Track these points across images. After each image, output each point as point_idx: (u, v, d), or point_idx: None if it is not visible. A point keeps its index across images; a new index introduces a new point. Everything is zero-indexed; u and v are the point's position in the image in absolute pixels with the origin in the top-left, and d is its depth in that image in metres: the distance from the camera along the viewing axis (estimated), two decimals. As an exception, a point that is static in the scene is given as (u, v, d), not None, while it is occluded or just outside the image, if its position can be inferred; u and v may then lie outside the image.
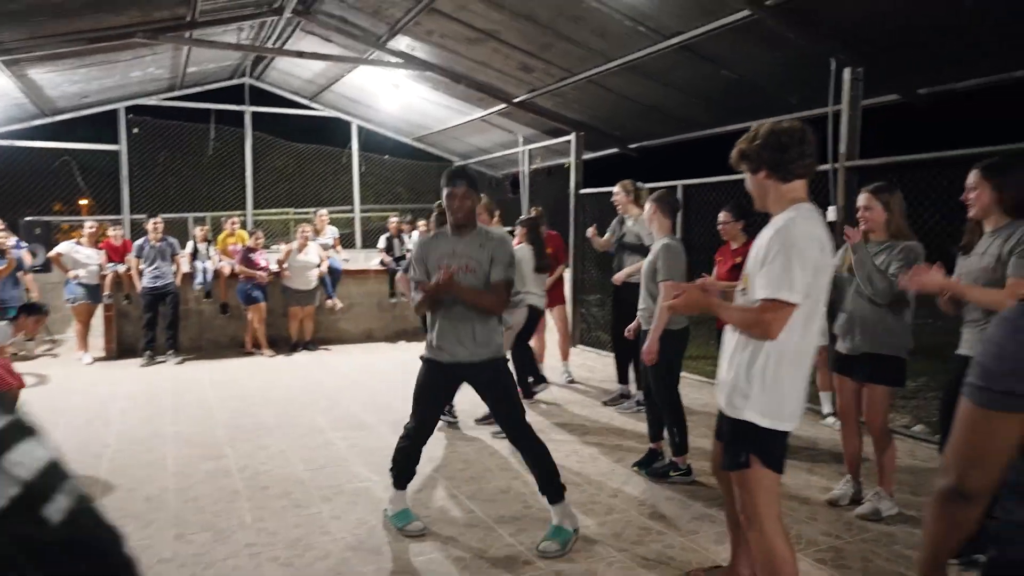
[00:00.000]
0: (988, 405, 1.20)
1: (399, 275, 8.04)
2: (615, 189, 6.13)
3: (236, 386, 6.83)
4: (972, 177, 3.16)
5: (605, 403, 6.10)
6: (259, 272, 8.38)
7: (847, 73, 5.60)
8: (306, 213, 12.50)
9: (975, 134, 5.19)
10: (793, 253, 2.24)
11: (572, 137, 9.25)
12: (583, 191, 9.19)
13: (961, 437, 1.24)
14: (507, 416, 3.46)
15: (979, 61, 5.21)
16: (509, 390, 3.49)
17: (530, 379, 6.08)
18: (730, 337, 2.49)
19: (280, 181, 13.08)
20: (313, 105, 11.77)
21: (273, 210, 12.71)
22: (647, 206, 4.45)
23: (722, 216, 5.07)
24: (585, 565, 3.18)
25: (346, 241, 11.72)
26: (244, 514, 3.76)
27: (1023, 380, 1.16)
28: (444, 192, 3.40)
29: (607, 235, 6.33)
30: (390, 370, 7.68)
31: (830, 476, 4.33)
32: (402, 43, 8.07)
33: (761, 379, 2.34)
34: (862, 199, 3.84)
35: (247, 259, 8.43)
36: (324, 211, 9.85)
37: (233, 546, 3.39)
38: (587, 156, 9.47)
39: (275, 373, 7.53)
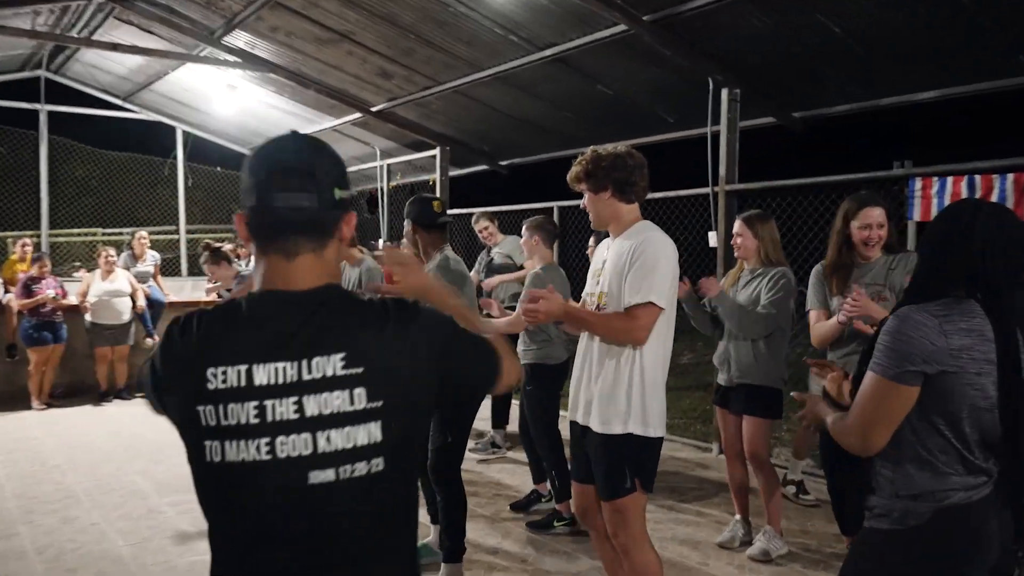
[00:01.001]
0: (896, 379, 1.82)
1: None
2: (481, 223, 6.28)
3: (30, 447, 6.31)
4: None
5: (470, 450, 6.16)
6: (44, 298, 7.70)
7: (725, 94, 6.11)
8: (119, 234, 11.84)
9: (848, 159, 5.82)
10: (659, 263, 2.72)
11: (437, 152, 9.39)
12: (450, 211, 9.32)
13: (870, 404, 1.88)
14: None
15: (851, 87, 5.87)
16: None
17: None
18: (588, 352, 2.87)
19: (84, 195, 12.31)
20: (128, 106, 11.18)
21: (76, 230, 11.89)
22: (524, 233, 4.63)
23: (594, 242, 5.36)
24: (465, 632, 3.23)
25: (170, 267, 11.18)
26: (48, 604, 3.50)
27: (918, 361, 1.80)
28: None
29: (473, 272, 6.28)
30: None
31: (720, 517, 4.63)
32: (240, 39, 7.91)
33: (640, 388, 2.73)
34: (736, 227, 4.28)
35: (28, 291, 7.81)
36: (143, 232, 9.32)
37: (36, 644, 3.14)
38: (453, 173, 9.65)
39: (80, 429, 7.03)
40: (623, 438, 2.73)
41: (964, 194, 4.87)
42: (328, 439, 1.20)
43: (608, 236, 3.01)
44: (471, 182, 10.12)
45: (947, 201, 4.92)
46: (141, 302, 8.49)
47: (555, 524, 4.44)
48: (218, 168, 12.41)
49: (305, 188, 1.25)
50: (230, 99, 9.51)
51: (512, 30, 6.33)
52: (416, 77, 7.73)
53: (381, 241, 10.15)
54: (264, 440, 1.20)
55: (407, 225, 3.84)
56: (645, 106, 7.07)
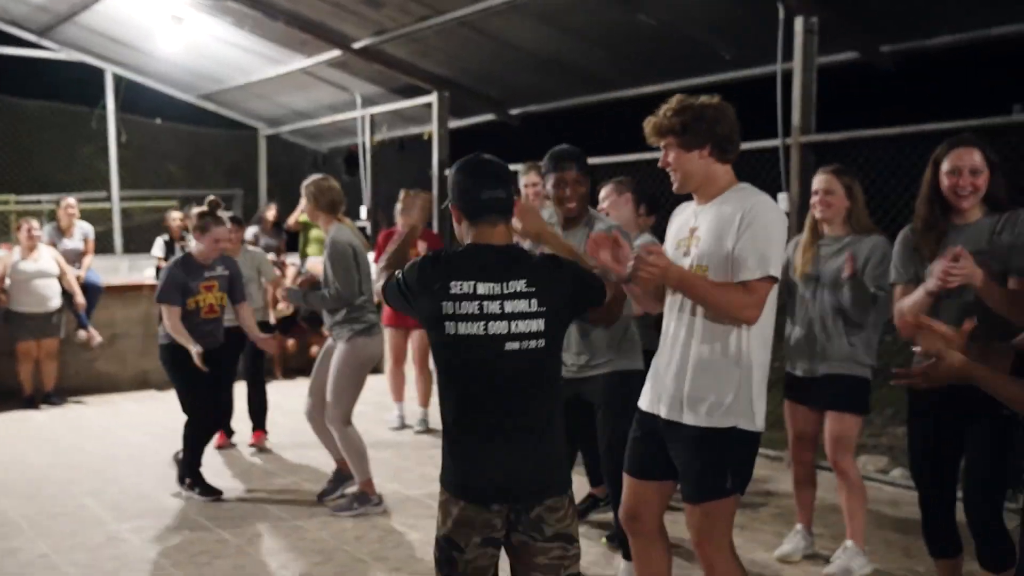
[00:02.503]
0: None
1: None
2: (532, 176, 6.20)
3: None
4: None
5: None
6: None
7: (799, 24, 6.10)
8: (36, 202, 11.75)
9: (952, 103, 5.85)
10: (773, 231, 2.88)
11: (434, 98, 9.37)
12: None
13: None
14: None
15: (953, 15, 5.87)
16: None
17: None
18: (677, 333, 2.99)
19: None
20: (44, 43, 11.06)
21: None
22: (609, 192, 4.82)
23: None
24: None
25: (101, 243, 11.12)
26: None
27: None
28: (551, 179, 4.01)
29: None
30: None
31: (776, 530, 4.75)
32: (192, -41, 7.85)
33: (748, 375, 2.90)
34: (822, 182, 4.25)
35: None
36: (71, 200, 9.22)
37: None
38: (454, 124, 9.63)
39: (6, 443, 6.99)
40: (726, 432, 2.87)
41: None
42: (516, 325, 2.47)
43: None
44: (473, 136, 10.08)
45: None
46: (79, 294, 8.45)
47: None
48: (158, 120, 12.34)
49: (500, 187, 2.55)
50: (175, 34, 9.44)
51: (536, -55, 6.31)
52: (412, 5, 7.67)
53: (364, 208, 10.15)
54: (481, 323, 2.46)
55: (586, 181, 4.02)
56: (698, 40, 7.08)
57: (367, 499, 5.19)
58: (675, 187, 3.07)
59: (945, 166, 3.36)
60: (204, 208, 5.79)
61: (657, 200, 5.63)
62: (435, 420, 7.32)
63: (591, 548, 4.50)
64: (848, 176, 4.25)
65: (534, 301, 2.46)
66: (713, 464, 2.90)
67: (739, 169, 3.13)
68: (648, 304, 3.27)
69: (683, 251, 3.03)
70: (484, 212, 2.52)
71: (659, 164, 3.07)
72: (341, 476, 5.46)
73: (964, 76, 8.74)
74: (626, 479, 3.21)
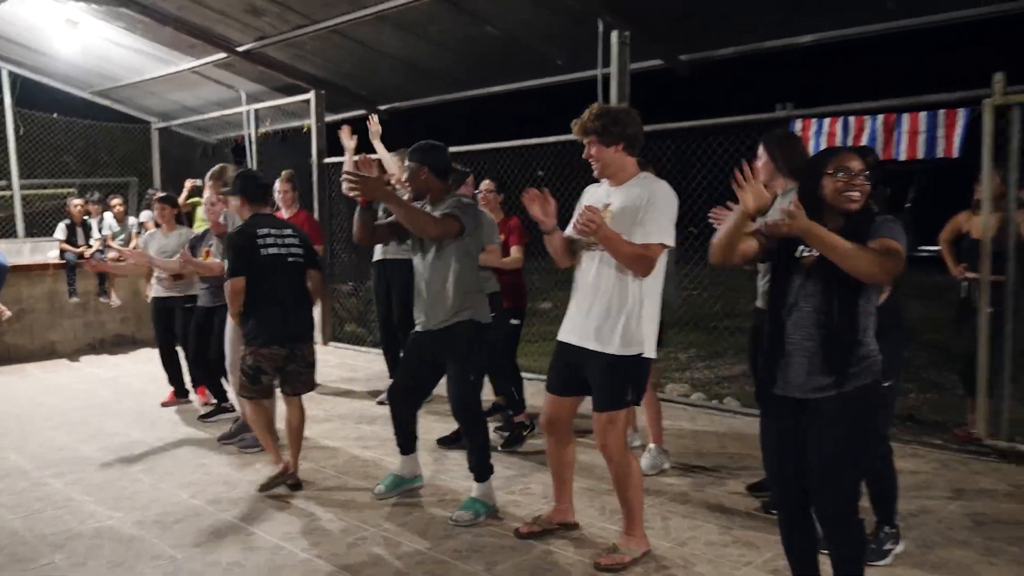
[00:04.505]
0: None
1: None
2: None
3: None
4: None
5: (380, 402, 6.41)
6: None
7: (615, 36, 6.48)
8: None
9: (733, 101, 6.36)
10: (668, 208, 3.35)
11: (311, 96, 9.36)
12: (328, 160, 9.35)
13: (899, 256, 2.52)
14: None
15: (735, 31, 6.38)
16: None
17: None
18: (595, 284, 3.41)
19: None
20: (-60, 43, 10.37)
21: None
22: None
23: (486, 185, 5.64)
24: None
25: (4, 228, 10.62)
26: (-55, 579, 3.52)
27: None
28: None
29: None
30: (92, 389, 7.26)
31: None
32: (85, -31, 7.58)
33: (649, 316, 3.38)
34: None
35: None
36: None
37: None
38: (329, 118, 9.63)
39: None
40: (632, 358, 3.37)
41: (839, 134, 5.50)
42: (291, 250, 4.49)
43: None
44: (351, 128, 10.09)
45: (823, 140, 5.55)
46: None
47: (523, 434, 5.32)
48: (55, 115, 11.74)
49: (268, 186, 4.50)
50: (71, 37, 9.02)
51: (396, -34, 6.44)
52: (290, 15, 7.67)
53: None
54: (276, 248, 4.36)
55: (420, 171, 4.10)
56: (534, 48, 7.35)
57: None
58: (596, 173, 3.52)
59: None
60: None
61: (504, 181, 5.97)
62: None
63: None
64: (644, 166, 4.70)
65: (296, 239, 4.51)
66: (620, 382, 3.40)
67: (568, 156, 3.58)
68: (562, 258, 3.58)
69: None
70: (264, 199, 4.63)
71: (583, 156, 3.48)
72: (243, 426, 5.45)
73: (743, 80, 9.43)
74: (548, 396, 3.67)
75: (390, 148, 6.53)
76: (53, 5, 8.43)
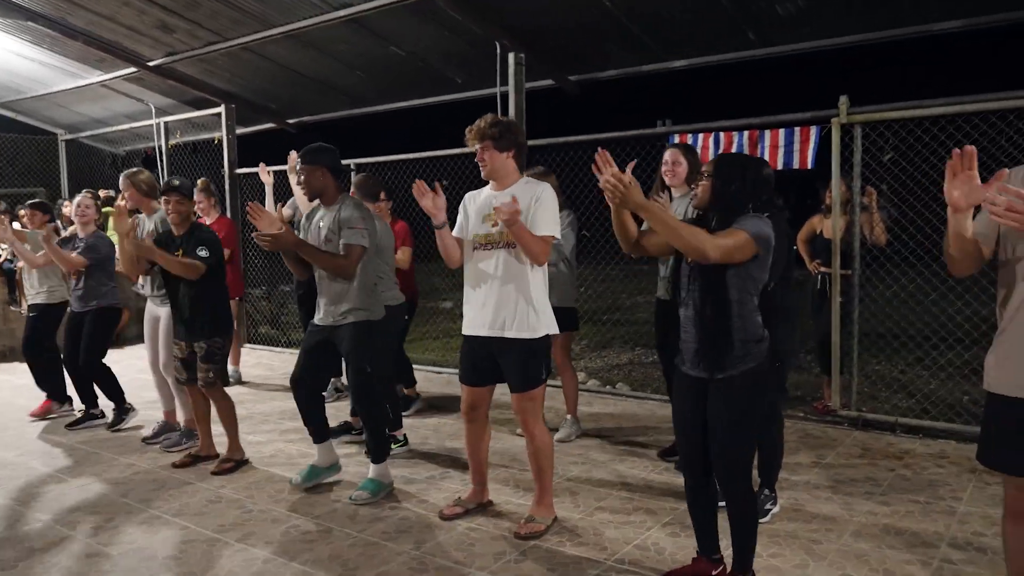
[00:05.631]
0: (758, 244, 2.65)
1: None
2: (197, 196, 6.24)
3: None
4: (670, 154, 4.35)
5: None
6: None
7: (511, 58, 6.58)
8: None
9: (618, 118, 6.55)
10: (552, 205, 3.47)
11: (222, 109, 9.02)
12: (240, 170, 9.05)
13: (735, 243, 2.63)
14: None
15: (619, 55, 6.57)
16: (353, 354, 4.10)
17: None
18: (493, 278, 3.48)
19: None
20: None
21: None
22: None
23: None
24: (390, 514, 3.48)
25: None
26: None
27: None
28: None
29: (287, 211, 6.31)
30: (8, 396, 6.79)
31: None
32: (-9, -17, 7.07)
33: (544, 299, 3.51)
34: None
35: None
36: None
37: None
38: (240, 131, 9.33)
39: None
40: (540, 340, 3.49)
41: (711, 147, 5.75)
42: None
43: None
44: (259, 140, 9.82)
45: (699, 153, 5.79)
46: None
47: (393, 447, 4.81)
48: (-43, 127, 10.90)
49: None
50: (-25, 49, 8.44)
51: (307, -12, 6.31)
52: (200, 32, 7.39)
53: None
54: None
55: (317, 172, 4.03)
56: (436, 68, 7.36)
57: (193, 434, 5.12)
58: (484, 175, 3.56)
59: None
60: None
61: (392, 189, 6.10)
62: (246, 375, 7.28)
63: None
64: (542, 175, 4.79)
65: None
66: (533, 362, 3.47)
67: (464, 167, 3.66)
68: (451, 256, 3.64)
69: (491, 223, 3.49)
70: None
71: (476, 159, 3.53)
72: (167, 426, 5.33)
73: (627, 99, 9.72)
74: (465, 388, 3.68)
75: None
76: (-45, 18, 7.83)
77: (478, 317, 3.57)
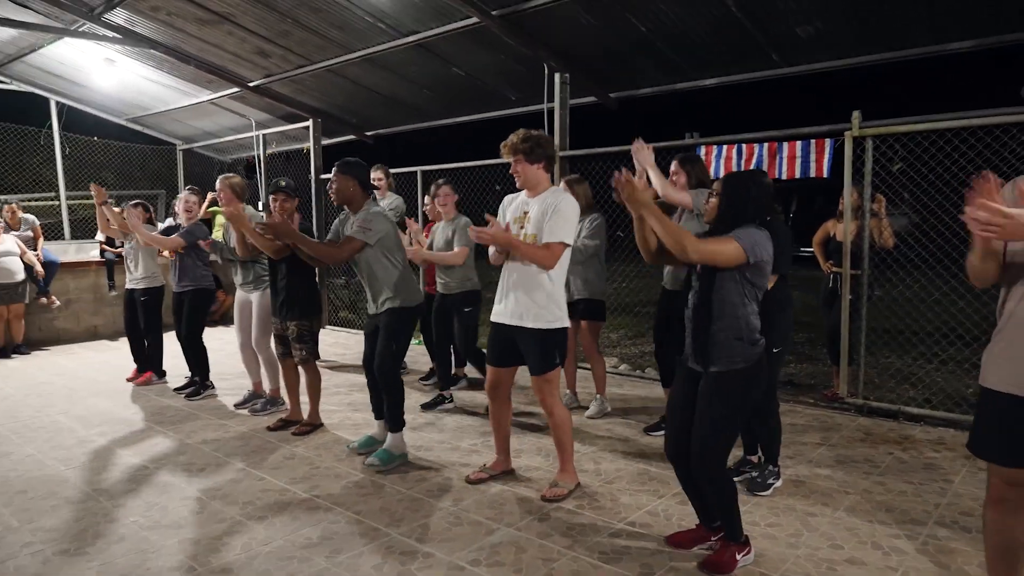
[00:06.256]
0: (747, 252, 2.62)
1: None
2: (376, 174, 6.33)
3: (-63, 399, 5.86)
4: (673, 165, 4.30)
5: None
6: None
7: (557, 77, 6.56)
8: (-2, 200, 10.71)
9: (652, 131, 6.44)
10: (570, 215, 3.43)
11: (310, 123, 9.26)
12: (324, 176, 9.27)
13: (717, 248, 2.61)
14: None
15: (654, 74, 6.49)
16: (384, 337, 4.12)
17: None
18: (512, 276, 3.50)
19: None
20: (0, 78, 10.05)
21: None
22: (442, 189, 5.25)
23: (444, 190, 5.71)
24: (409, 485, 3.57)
25: (53, 232, 10.33)
26: (8, 519, 3.46)
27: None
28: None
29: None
30: (128, 365, 7.13)
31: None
32: (120, 16, 7.40)
33: (560, 297, 3.50)
34: (561, 186, 4.81)
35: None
36: (14, 204, 8.44)
37: (8, 549, 3.14)
38: (325, 142, 9.56)
39: (-15, 381, 6.57)
40: (556, 331, 3.50)
41: (735, 159, 5.63)
42: None
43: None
44: (341, 150, 10.03)
45: (722, 163, 5.68)
46: (38, 266, 7.96)
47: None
48: (95, 138, 11.45)
49: None
50: (109, 72, 8.85)
51: (380, 18, 6.42)
52: (291, 56, 7.60)
53: (260, 203, 9.91)
54: None
55: (350, 182, 4.09)
56: (492, 86, 7.40)
57: (276, 402, 5.30)
58: (519, 185, 3.58)
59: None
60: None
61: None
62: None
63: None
64: (575, 182, 4.93)
65: None
66: (549, 350, 3.49)
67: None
68: (496, 258, 3.64)
69: (520, 225, 3.53)
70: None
71: (511, 171, 3.55)
72: (254, 395, 5.50)
73: (660, 113, 9.58)
74: (489, 368, 3.71)
75: (373, 164, 6.47)
76: (94, 47, 8.26)
77: (503, 307, 3.58)
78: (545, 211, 3.43)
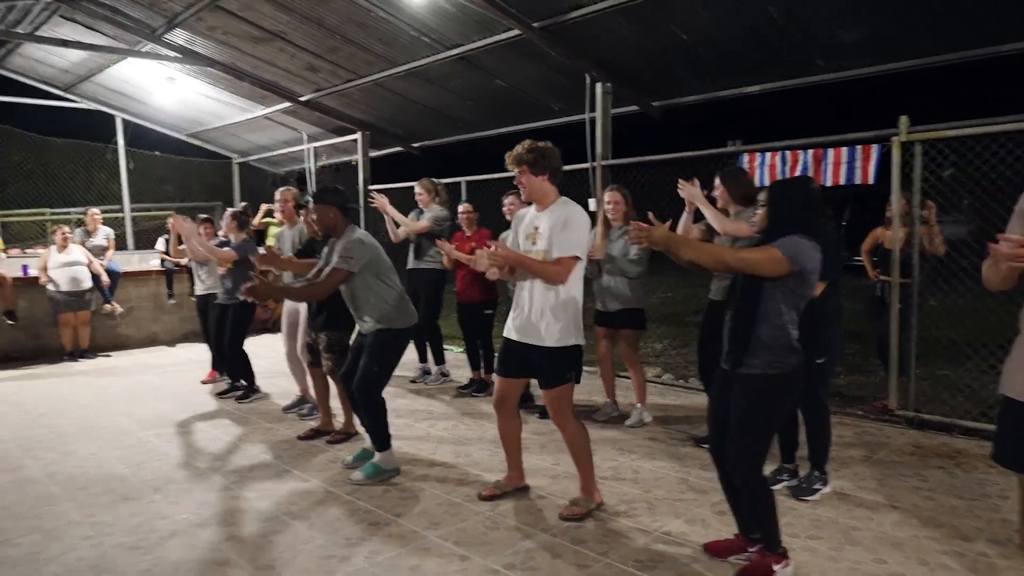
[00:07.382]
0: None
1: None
2: (417, 188, 6.44)
3: (10, 401, 6.17)
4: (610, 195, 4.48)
5: (413, 380, 6.53)
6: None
7: (599, 87, 6.58)
8: (65, 214, 11.29)
9: (694, 139, 6.39)
10: (578, 228, 3.31)
11: (358, 136, 9.48)
12: (371, 187, 9.47)
13: (759, 257, 2.60)
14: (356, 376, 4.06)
15: (695, 82, 6.44)
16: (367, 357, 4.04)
17: None
18: (523, 292, 3.40)
19: (20, 179, 11.64)
20: (69, 96, 10.58)
21: (23, 211, 11.25)
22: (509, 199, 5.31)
23: (464, 208, 5.99)
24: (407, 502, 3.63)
25: (118, 242, 10.78)
26: (70, 513, 3.64)
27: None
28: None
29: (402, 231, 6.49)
30: (189, 370, 7.40)
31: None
32: (180, 37, 7.74)
33: (572, 312, 3.35)
34: (610, 195, 4.91)
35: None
36: (96, 209, 8.99)
37: (69, 541, 3.31)
38: (373, 154, 9.77)
39: (55, 385, 6.90)
40: (569, 347, 3.37)
41: (778, 166, 5.54)
42: None
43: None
44: (388, 162, 10.25)
45: (766, 171, 5.59)
46: (104, 276, 8.38)
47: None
48: (156, 152, 11.96)
49: None
50: (169, 90, 9.25)
51: (424, 32, 6.55)
52: (340, 71, 7.82)
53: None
54: None
55: (329, 211, 4.08)
56: (535, 97, 7.45)
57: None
58: (523, 198, 3.51)
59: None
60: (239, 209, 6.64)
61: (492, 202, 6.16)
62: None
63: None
64: (624, 190, 4.91)
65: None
66: (561, 366, 3.37)
67: (564, 182, 3.57)
68: (510, 277, 3.57)
69: (531, 241, 3.44)
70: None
71: (515, 182, 3.47)
72: (302, 400, 5.61)
73: (703, 121, 9.49)
74: (497, 379, 3.60)
75: (418, 177, 6.53)
76: (155, 66, 8.63)
77: (515, 322, 3.47)
78: (554, 225, 3.33)
